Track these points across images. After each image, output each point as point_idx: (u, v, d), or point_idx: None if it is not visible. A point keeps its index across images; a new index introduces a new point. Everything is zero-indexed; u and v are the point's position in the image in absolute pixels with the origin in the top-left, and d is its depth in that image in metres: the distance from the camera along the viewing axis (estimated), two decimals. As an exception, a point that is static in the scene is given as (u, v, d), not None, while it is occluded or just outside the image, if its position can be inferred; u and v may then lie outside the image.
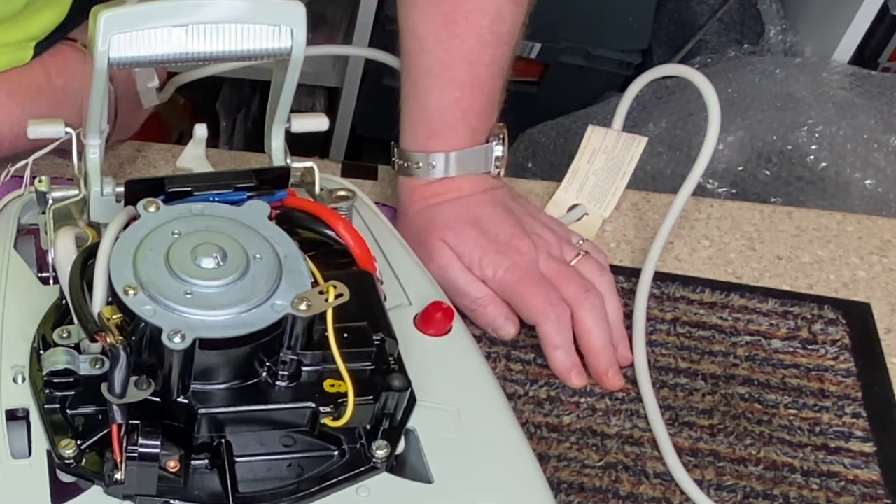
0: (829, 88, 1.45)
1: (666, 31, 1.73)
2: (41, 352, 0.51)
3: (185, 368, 0.47)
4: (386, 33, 1.78)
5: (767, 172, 1.39)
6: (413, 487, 0.51)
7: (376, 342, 0.51)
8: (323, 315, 0.48)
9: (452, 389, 0.55)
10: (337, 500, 0.50)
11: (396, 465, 0.52)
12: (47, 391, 0.50)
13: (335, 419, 0.49)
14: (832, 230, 0.79)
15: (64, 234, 0.53)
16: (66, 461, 0.48)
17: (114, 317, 0.47)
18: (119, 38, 0.50)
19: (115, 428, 0.47)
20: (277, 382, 0.49)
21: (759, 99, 1.43)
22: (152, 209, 0.51)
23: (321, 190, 0.60)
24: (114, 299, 0.48)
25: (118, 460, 0.47)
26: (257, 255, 0.50)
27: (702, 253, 0.77)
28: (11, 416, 0.50)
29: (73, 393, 0.49)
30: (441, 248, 0.67)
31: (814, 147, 1.39)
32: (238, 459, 0.50)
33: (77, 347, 0.50)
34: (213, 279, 0.48)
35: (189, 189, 0.54)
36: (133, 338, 0.47)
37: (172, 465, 0.47)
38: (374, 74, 1.68)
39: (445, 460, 0.52)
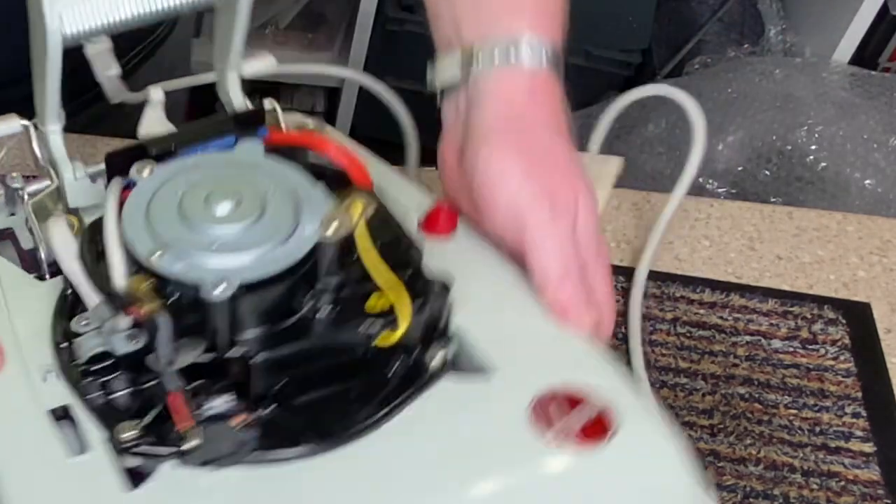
0: (829, 88, 1.45)
1: (666, 31, 1.74)
2: (65, 345, 0.49)
3: (231, 319, 0.45)
4: (386, 33, 1.78)
5: (767, 172, 1.39)
6: (476, 386, 0.49)
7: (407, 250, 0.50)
8: (353, 234, 0.47)
9: (478, 284, 0.53)
10: (407, 417, 0.48)
11: (452, 369, 0.50)
12: (87, 380, 0.47)
13: (388, 335, 0.48)
14: (832, 230, 0.79)
15: (56, 222, 0.51)
16: (129, 444, 0.45)
17: (142, 286, 0.45)
18: (68, 11, 0.48)
19: (174, 397, 0.44)
20: (322, 313, 0.47)
21: (759, 99, 1.43)
22: (146, 173, 0.50)
23: (286, 126, 0.58)
24: (139, 269, 0.46)
25: (185, 428, 0.44)
26: (270, 190, 0.49)
27: (702, 253, 0.77)
28: (56, 415, 0.48)
29: (114, 376, 0.47)
30: None
31: (814, 147, 1.39)
32: (301, 400, 0.48)
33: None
34: (234, 223, 0.47)
35: (172, 148, 0.52)
36: (171, 300, 0.45)
37: (241, 419, 0.45)
38: (374, 75, 1.68)
39: (497, 353, 0.51)
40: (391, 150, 0.72)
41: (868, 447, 0.65)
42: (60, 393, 0.48)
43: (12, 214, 0.57)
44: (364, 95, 1.66)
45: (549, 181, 0.55)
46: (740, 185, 1.38)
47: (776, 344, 0.71)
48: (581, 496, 0.47)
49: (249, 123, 0.55)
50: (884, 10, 1.48)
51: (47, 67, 0.50)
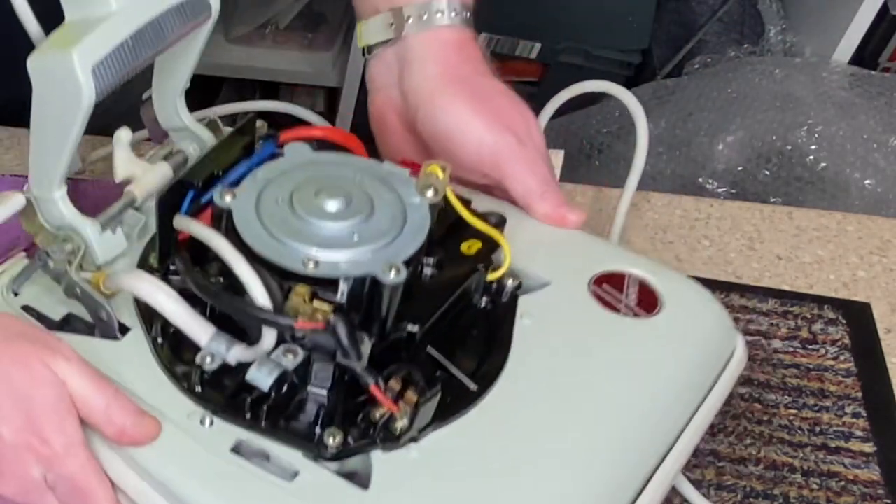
0: (829, 88, 1.45)
1: (666, 31, 1.74)
2: (199, 388, 0.48)
3: (399, 300, 0.46)
4: (386, 33, 1.77)
5: (767, 172, 1.39)
6: (547, 294, 0.54)
7: None
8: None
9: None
10: (520, 334, 0.51)
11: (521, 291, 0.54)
12: (262, 408, 0.47)
13: (492, 272, 0.52)
14: (832, 230, 0.79)
15: (137, 275, 0.49)
16: (337, 449, 0.46)
17: (300, 297, 0.46)
18: (98, 69, 0.48)
19: (374, 388, 0.45)
20: (435, 270, 0.50)
21: (759, 99, 1.43)
22: (228, 198, 0.49)
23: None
24: (293, 281, 0.46)
25: (395, 412, 0.45)
26: (357, 178, 0.50)
27: (702, 253, 0.77)
28: (239, 451, 0.47)
29: (281, 393, 0.47)
30: None
31: (814, 147, 1.39)
32: (444, 354, 0.50)
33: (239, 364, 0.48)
34: (357, 214, 0.48)
35: (216, 173, 0.53)
36: (344, 297, 0.46)
37: (423, 392, 0.46)
38: (374, 74, 1.68)
39: (538, 267, 0.55)
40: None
41: (868, 447, 0.65)
42: (229, 431, 0.47)
43: (16, 294, 0.54)
44: (364, 95, 1.66)
45: (503, 116, 0.62)
46: (740, 185, 1.38)
47: (776, 344, 0.71)
48: (661, 353, 0.53)
49: (251, 132, 0.56)
50: (884, 10, 1.48)
51: (75, 128, 0.49)
